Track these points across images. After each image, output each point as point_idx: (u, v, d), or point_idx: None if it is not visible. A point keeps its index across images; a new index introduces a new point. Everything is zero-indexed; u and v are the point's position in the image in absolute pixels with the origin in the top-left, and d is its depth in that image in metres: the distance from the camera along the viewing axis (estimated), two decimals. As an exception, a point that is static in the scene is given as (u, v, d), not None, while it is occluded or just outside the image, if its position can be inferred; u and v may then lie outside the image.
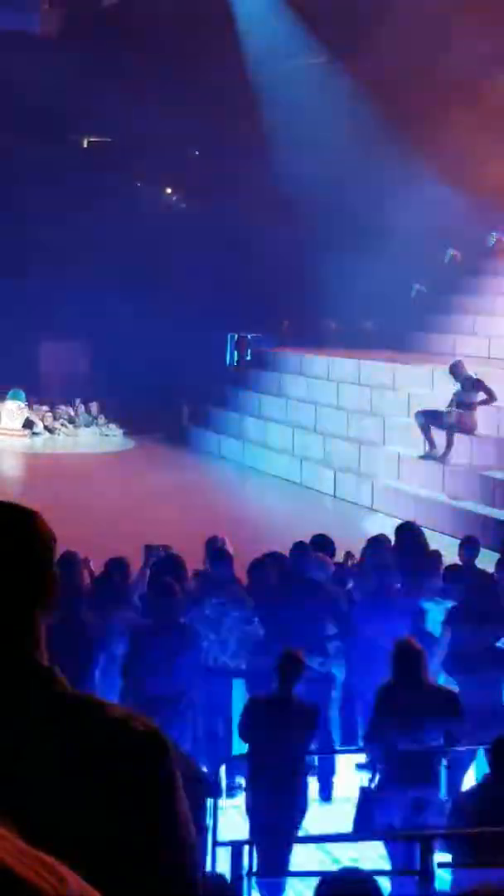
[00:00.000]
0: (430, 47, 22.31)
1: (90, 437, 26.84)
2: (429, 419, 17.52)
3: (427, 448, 17.57)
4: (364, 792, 7.08)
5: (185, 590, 8.87)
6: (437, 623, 8.91)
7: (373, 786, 7.11)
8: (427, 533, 11.58)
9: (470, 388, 17.28)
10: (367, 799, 7.00)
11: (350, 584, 9.72)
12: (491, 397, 17.23)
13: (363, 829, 6.93)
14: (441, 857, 6.25)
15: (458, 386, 17.38)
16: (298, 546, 9.65)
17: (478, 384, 17.31)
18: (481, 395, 17.26)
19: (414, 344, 22.69)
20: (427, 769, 7.03)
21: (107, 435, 27.03)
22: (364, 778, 7.52)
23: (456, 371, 17.51)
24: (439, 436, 17.41)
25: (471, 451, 17.19)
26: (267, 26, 26.44)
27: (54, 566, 1.86)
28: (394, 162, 23.30)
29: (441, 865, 6.16)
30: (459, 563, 10.13)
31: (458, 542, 10.81)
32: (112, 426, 27.15)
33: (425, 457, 17.60)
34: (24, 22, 28.88)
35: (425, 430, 17.54)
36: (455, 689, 7.82)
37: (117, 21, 27.56)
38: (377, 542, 10.32)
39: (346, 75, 24.74)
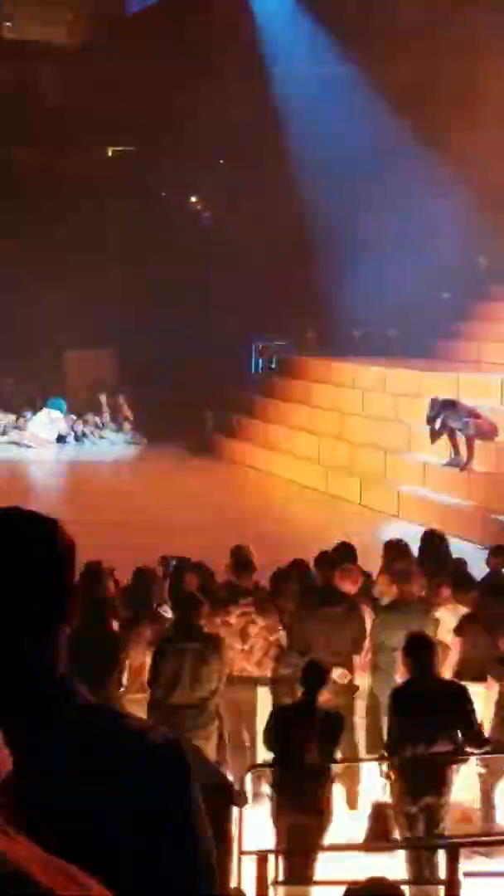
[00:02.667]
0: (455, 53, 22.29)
1: (116, 446, 26.93)
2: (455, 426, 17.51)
3: (452, 455, 17.56)
4: (376, 806, 7.08)
5: (210, 598, 8.88)
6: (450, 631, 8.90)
7: (385, 797, 7.09)
8: (453, 540, 11.57)
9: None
10: (380, 811, 7.00)
11: (374, 592, 9.71)
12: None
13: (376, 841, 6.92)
14: (466, 865, 6.25)
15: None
16: (323, 556, 9.65)
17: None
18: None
19: (439, 351, 22.66)
20: (440, 776, 7.02)
21: (133, 443, 27.12)
22: (383, 788, 7.51)
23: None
24: (464, 443, 17.43)
25: (496, 459, 17.15)
26: (290, 35, 26.50)
27: (75, 576, 1.87)
28: (419, 169, 23.29)
29: (467, 875, 6.16)
30: (487, 570, 10.12)
31: (484, 549, 10.79)
32: (138, 434, 27.24)
33: (450, 464, 17.57)
34: (48, 32, 29.02)
35: (451, 437, 17.53)
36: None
37: (140, 31, 27.67)
38: (397, 548, 10.29)
39: (371, 84, 24.75)
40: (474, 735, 7.24)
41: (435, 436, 17.57)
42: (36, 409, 26.80)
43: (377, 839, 6.97)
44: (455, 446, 17.51)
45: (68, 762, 1.67)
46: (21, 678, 1.73)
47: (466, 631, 8.63)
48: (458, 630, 8.70)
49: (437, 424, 17.48)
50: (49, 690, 1.75)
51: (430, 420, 17.55)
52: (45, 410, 26.60)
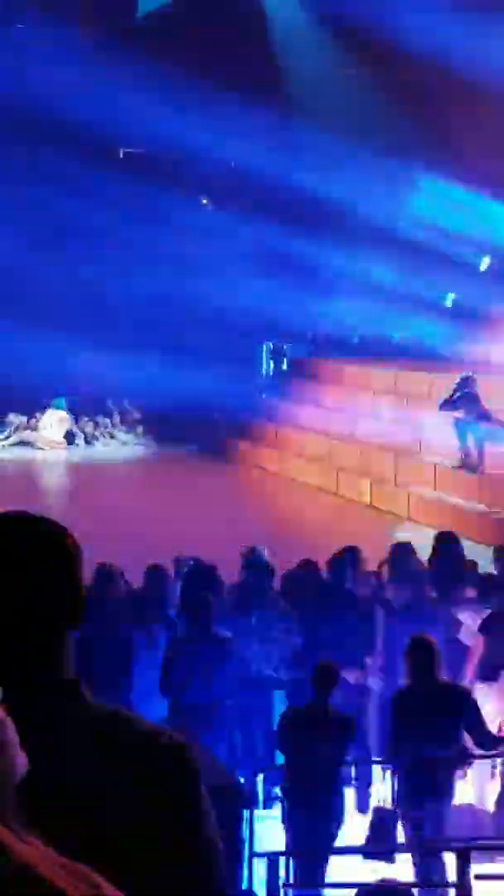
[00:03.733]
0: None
1: (128, 448, 26.95)
2: (465, 428, 17.49)
3: (462, 457, 17.53)
4: (378, 811, 7.07)
5: (221, 600, 8.87)
6: (472, 633, 8.90)
7: (387, 802, 7.09)
8: (464, 543, 11.54)
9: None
10: (382, 817, 7.00)
11: (387, 595, 9.70)
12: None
13: (379, 847, 6.91)
14: (478, 868, 6.22)
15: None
16: (335, 558, 9.64)
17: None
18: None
19: (450, 353, 22.63)
20: (443, 779, 7.01)
21: (143, 445, 27.14)
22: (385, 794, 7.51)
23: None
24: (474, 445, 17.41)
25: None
26: (302, 37, 26.53)
27: (80, 580, 1.88)
28: (425, 170, 23.31)
29: (479, 878, 6.13)
30: (494, 572, 10.10)
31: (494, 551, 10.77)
32: (148, 436, 27.27)
33: (461, 466, 17.55)
34: (60, 34, 29.01)
35: (462, 439, 17.50)
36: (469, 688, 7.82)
37: (154, 32, 27.69)
38: (402, 550, 10.28)
39: (377, 84, 24.76)
40: (485, 736, 7.22)
41: (445, 407, 17.62)
42: (43, 410, 26.76)
43: (378, 843, 6.96)
44: (464, 448, 17.48)
45: (78, 764, 1.68)
46: (31, 681, 1.74)
47: (489, 632, 8.61)
48: (480, 631, 8.67)
49: (451, 405, 17.50)
50: (58, 693, 1.76)
51: (450, 399, 17.57)
52: (49, 412, 26.52)
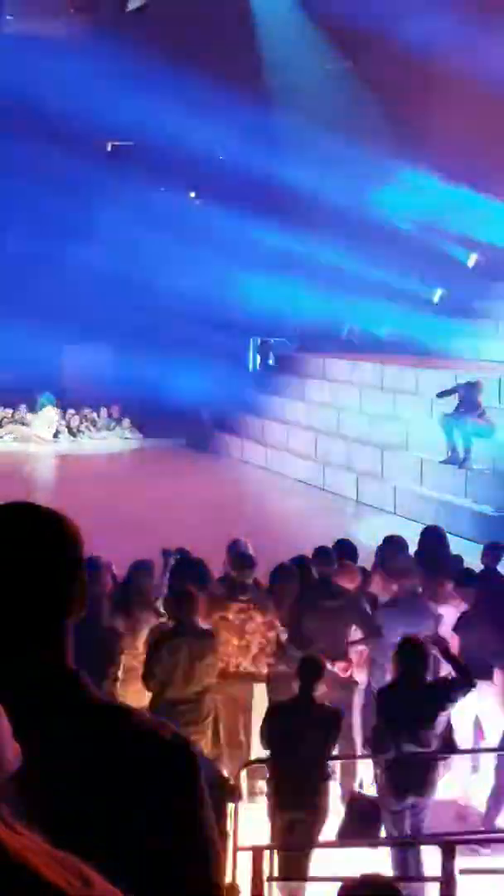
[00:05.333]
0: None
1: (113, 441, 26.91)
2: (452, 424, 17.50)
3: (449, 453, 17.54)
4: (359, 800, 7.08)
5: (207, 593, 8.87)
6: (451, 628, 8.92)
7: (370, 791, 7.11)
8: (449, 538, 11.57)
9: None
10: (364, 811, 7.01)
11: (375, 588, 9.71)
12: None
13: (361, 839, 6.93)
14: (462, 862, 6.24)
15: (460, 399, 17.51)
16: (321, 551, 9.64)
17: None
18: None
19: (437, 348, 22.65)
20: (424, 775, 7.03)
21: (129, 438, 27.10)
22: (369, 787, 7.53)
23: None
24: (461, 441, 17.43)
25: (493, 456, 17.15)
26: (286, 31, 26.52)
27: (82, 570, 1.87)
28: (407, 166, 23.35)
29: (463, 872, 6.15)
30: (482, 567, 10.11)
31: (481, 546, 10.78)
32: (134, 430, 27.23)
33: (447, 461, 17.56)
34: (49, 26, 28.93)
35: (449, 435, 17.51)
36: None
37: (141, 25, 27.64)
38: (395, 544, 10.28)
39: (360, 79, 24.78)
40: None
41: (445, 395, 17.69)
42: (32, 405, 26.66)
43: (356, 833, 6.98)
44: (451, 444, 17.48)
45: (78, 757, 1.67)
46: (34, 672, 1.73)
47: (464, 628, 8.62)
48: (456, 627, 8.69)
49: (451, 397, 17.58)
50: (60, 684, 1.75)
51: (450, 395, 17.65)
52: (42, 410, 26.41)
